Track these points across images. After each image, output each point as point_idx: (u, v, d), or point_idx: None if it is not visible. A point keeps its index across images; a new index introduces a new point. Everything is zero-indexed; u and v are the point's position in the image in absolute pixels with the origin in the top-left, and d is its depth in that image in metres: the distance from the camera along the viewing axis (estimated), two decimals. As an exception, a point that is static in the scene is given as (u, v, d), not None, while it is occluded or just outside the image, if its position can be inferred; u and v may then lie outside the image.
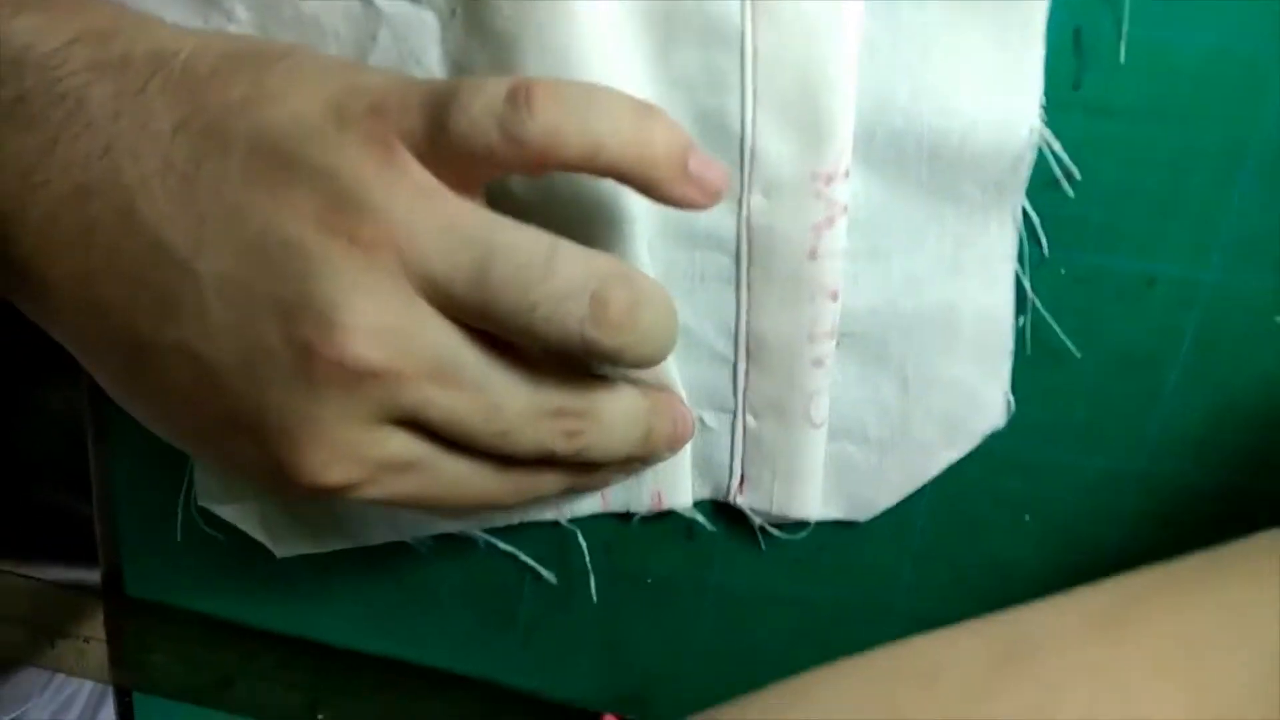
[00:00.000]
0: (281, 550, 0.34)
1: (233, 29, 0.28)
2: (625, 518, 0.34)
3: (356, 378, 0.23)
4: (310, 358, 0.23)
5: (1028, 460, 0.33)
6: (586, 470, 0.30)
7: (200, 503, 0.34)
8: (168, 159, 0.23)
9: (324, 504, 0.33)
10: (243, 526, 0.34)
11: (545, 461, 0.27)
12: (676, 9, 0.28)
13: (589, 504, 0.33)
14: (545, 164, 0.23)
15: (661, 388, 0.31)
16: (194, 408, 0.25)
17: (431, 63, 0.29)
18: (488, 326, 0.24)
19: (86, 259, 0.24)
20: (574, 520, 0.34)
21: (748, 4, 0.27)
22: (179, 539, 0.35)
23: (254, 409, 0.24)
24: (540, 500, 0.30)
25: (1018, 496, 0.34)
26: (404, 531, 0.34)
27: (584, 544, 0.34)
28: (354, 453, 0.24)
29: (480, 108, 0.23)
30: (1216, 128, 0.29)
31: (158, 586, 0.36)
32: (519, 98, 0.22)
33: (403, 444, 0.25)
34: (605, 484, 0.32)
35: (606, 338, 0.24)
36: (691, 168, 0.24)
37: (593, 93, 0.23)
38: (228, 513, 0.33)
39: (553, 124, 0.23)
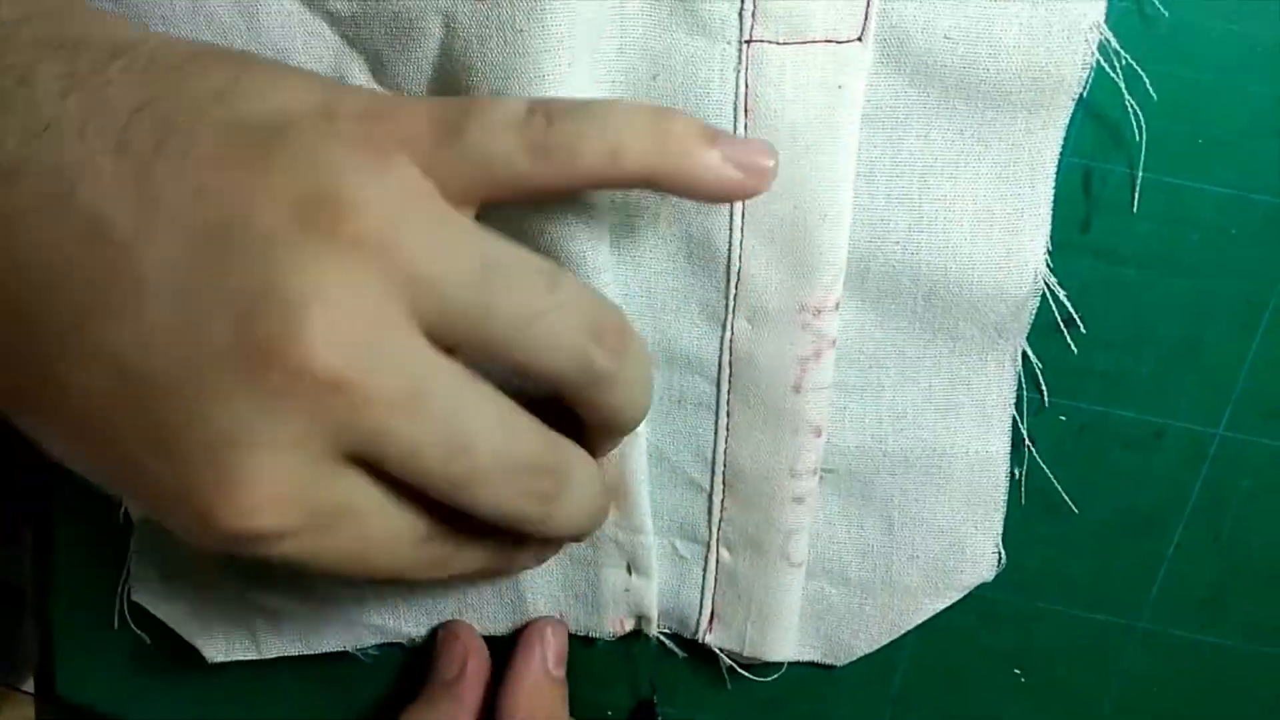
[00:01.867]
0: (214, 654, 0.32)
1: None
2: (587, 642, 0.32)
3: (318, 391, 0.20)
4: (266, 363, 0.20)
5: (1020, 613, 0.31)
6: (506, 545, 0.26)
7: (134, 597, 0.32)
8: (122, 139, 0.20)
9: (265, 606, 0.31)
10: (175, 626, 0.32)
11: (489, 531, 0.25)
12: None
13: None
14: (564, 176, 0.22)
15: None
16: (108, 427, 0.21)
17: None
18: (474, 342, 0.22)
19: (7, 250, 0.20)
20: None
21: (741, 123, 0.26)
22: (115, 641, 0.33)
23: (181, 426, 0.20)
24: (458, 579, 0.27)
25: (1009, 650, 0.32)
26: (356, 639, 0.32)
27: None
28: (295, 491, 0.20)
29: (500, 117, 0.22)
30: (1233, 279, 0.27)
31: (92, 690, 0.34)
32: (538, 109, 0.22)
33: (350, 487, 0.21)
34: (515, 570, 0.30)
35: (604, 358, 0.23)
36: (725, 153, 0.23)
37: (609, 103, 0.23)
38: (162, 611, 0.32)
39: (573, 132, 0.22)
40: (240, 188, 0.20)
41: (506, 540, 0.26)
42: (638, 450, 0.29)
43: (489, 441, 0.22)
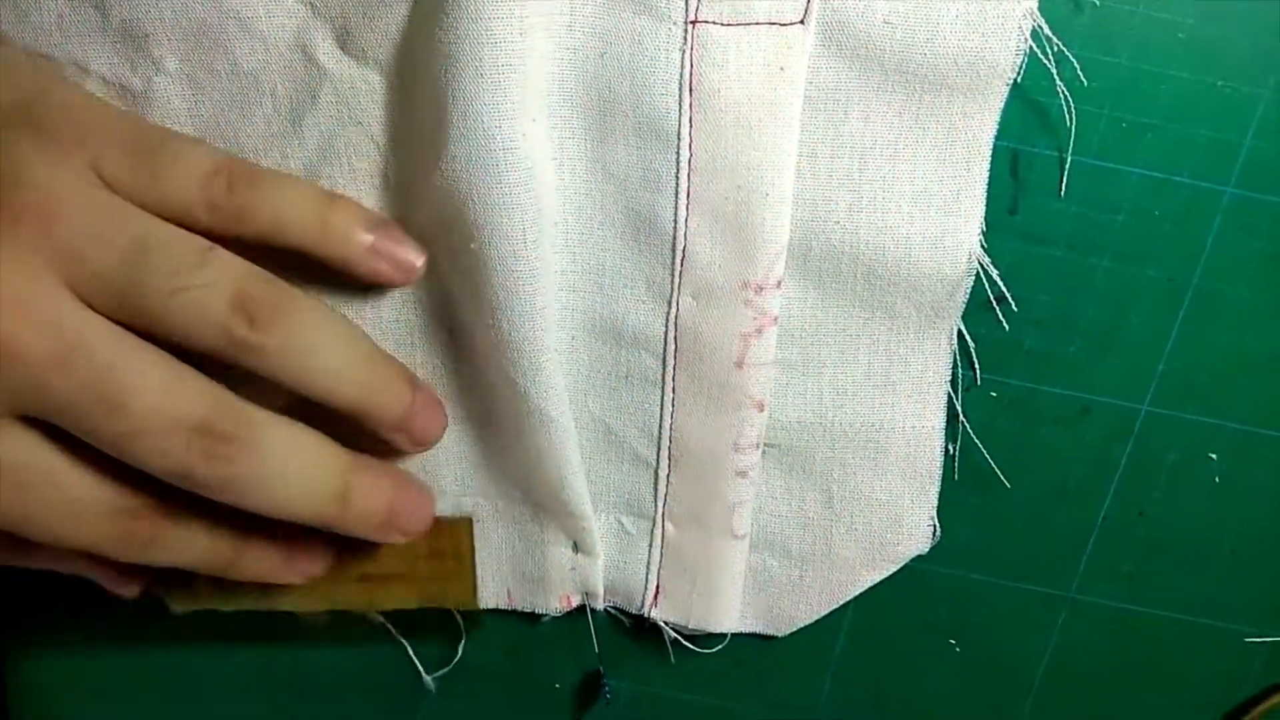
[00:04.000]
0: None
1: (161, 80, 0.27)
2: (532, 619, 0.32)
3: None
4: None
5: (954, 585, 0.32)
6: (237, 542, 0.27)
7: None
8: None
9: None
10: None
11: (191, 513, 0.25)
12: (613, 102, 0.27)
13: (492, 597, 0.32)
14: (233, 233, 0.25)
15: (400, 470, 0.29)
16: None
17: (373, 126, 0.28)
18: (128, 311, 0.24)
19: None
20: (483, 613, 0.32)
21: (685, 102, 0.26)
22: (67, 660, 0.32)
23: None
24: (174, 565, 0.26)
25: (943, 620, 0.33)
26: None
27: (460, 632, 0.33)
28: None
29: (186, 168, 0.25)
30: (1156, 260, 0.29)
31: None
32: (222, 170, 0.25)
33: (12, 443, 0.23)
34: (247, 573, 0.28)
35: (251, 333, 0.24)
36: (377, 246, 0.27)
37: (284, 181, 0.26)
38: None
39: (246, 201, 0.25)
40: None
41: (226, 534, 0.27)
42: (560, 440, 0.29)
43: (145, 398, 0.23)
